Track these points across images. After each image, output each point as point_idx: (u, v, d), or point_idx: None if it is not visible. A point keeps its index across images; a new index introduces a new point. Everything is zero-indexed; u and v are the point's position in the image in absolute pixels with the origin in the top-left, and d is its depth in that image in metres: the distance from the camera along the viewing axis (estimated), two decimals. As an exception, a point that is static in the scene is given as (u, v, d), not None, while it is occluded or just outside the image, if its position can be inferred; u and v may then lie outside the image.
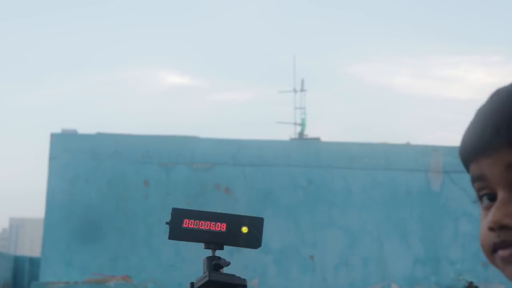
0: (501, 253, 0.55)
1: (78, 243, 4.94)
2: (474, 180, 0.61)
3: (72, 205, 4.97)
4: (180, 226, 1.65)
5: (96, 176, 5.01)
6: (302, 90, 6.23)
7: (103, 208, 4.98)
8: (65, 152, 5.04)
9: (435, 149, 5.20)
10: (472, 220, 5.12)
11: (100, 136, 5.13)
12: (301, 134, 6.05)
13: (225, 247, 1.68)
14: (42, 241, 5.01)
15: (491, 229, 0.56)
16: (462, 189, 5.14)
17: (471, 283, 5.00)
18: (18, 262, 5.97)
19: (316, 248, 5.05)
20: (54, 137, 5.08)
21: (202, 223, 1.65)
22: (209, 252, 1.68)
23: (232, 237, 1.59)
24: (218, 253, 1.64)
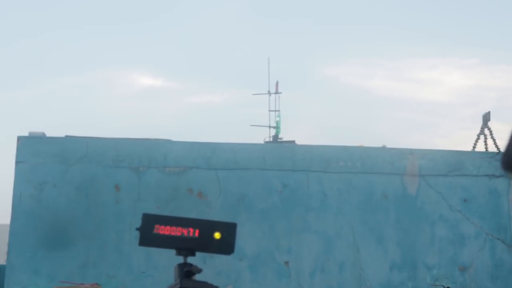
0: None
1: (46, 250, 4.88)
2: None
3: (39, 210, 4.91)
4: (151, 232, 1.64)
5: (65, 181, 4.96)
6: (276, 92, 6.27)
7: (71, 213, 4.92)
8: (32, 156, 4.98)
9: (411, 152, 5.24)
10: (448, 225, 5.17)
11: (69, 140, 5.08)
12: (275, 137, 6.07)
13: (197, 253, 1.68)
14: (7, 248, 4.94)
15: None
16: (438, 192, 5.18)
17: (447, 288, 5.04)
18: (-17, 270, 5.87)
19: (291, 253, 5.05)
20: (21, 140, 5.02)
21: (173, 229, 1.64)
22: (180, 259, 1.67)
23: (204, 243, 1.59)
24: (190, 259, 1.64)
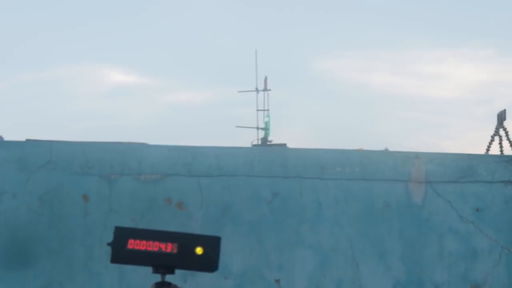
0: None
1: (4, 268, 4.87)
2: None
3: (-3, 224, 4.90)
4: (124, 247, 1.65)
5: (26, 190, 4.95)
6: (265, 89, 6.29)
7: (34, 227, 4.91)
8: (-11, 162, 4.96)
9: (417, 156, 5.27)
10: (459, 237, 5.20)
11: (30, 144, 5.07)
12: (264, 139, 6.10)
13: (177, 271, 1.69)
14: (-39, 267, 4.93)
15: None
16: (447, 201, 5.21)
17: (458, 308, 5.07)
18: None
19: (282, 270, 5.07)
20: (-24, 145, 5.01)
21: (150, 244, 1.65)
22: (158, 277, 1.68)
23: (184, 260, 1.60)
24: (169, 278, 1.65)
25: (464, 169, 5.26)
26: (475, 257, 5.20)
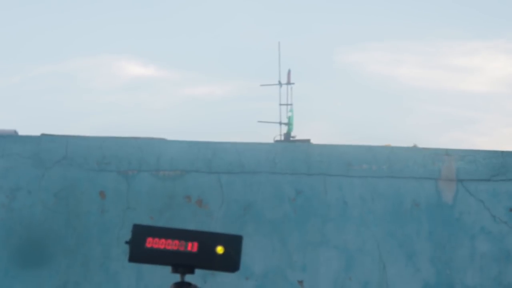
0: None
1: (19, 267, 4.91)
2: None
3: (11, 221, 4.95)
4: (142, 246, 1.66)
5: (41, 187, 4.99)
6: (288, 83, 6.30)
7: (49, 225, 4.95)
8: (2, 158, 5.01)
9: (447, 153, 5.25)
10: (491, 238, 5.17)
11: (46, 139, 5.11)
12: (287, 135, 6.11)
13: (197, 270, 1.69)
14: (-25, 265, 4.98)
15: None
16: (480, 200, 5.19)
17: (490, 312, 5.04)
18: None
19: (306, 271, 5.07)
20: (-10, 140, 5.05)
21: (169, 242, 1.66)
22: (177, 277, 1.69)
23: (204, 259, 1.61)
24: (189, 278, 1.65)
25: (498, 167, 5.23)
26: (509, 259, 5.17)
